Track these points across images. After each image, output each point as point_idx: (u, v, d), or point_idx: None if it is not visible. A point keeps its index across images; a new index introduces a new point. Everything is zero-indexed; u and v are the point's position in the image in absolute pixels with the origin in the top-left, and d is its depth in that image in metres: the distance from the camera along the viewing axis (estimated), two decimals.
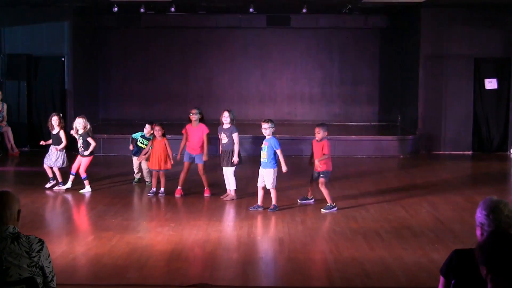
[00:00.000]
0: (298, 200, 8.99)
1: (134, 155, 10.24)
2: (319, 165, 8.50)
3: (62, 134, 9.77)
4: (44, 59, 14.30)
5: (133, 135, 10.32)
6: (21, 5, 14.14)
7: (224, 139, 9.03)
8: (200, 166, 9.39)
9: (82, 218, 8.72)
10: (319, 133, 8.62)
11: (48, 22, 14.33)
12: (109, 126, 15.32)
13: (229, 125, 9.05)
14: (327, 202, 8.53)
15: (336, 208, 8.52)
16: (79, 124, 9.61)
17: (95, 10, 15.53)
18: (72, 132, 9.79)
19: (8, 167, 12.49)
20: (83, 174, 9.64)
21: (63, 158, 9.81)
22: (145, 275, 6.00)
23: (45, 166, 9.78)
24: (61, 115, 10.07)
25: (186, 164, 9.43)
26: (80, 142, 9.66)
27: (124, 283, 5.76)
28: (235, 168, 9.08)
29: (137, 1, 13.32)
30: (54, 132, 9.84)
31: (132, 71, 16.74)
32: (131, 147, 10.28)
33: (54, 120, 9.81)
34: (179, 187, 9.45)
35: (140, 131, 10.29)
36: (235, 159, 8.94)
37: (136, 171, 10.32)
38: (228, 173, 9.09)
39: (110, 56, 16.74)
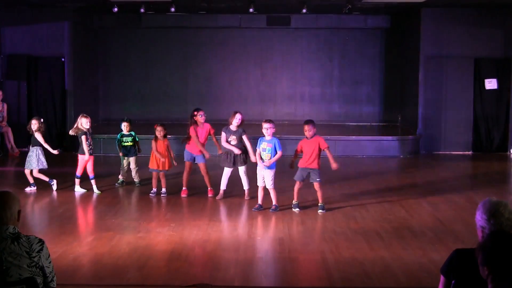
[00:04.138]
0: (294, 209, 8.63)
1: (126, 155, 10.15)
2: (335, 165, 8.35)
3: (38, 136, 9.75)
4: (44, 59, 14.30)
5: (116, 141, 10.26)
6: (21, 5, 14.13)
7: (233, 141, 9.02)
8: (202, 166, 9.40)
9: (82, 218, 8.72)
10: (310, 131, 8.42)
11: (48, 22, 14.32)
12: (109, 126, 15.31)
13: (237, 128, 9.04)
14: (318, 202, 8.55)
15: (325, 210, 8.53)
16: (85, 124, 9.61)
17: (95, 10, 15.53)
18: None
19: (8, 167, 12.49)
20: (92, 174, 9.67)
21: (44, 159, 9.79)
22: (145, 275, 6.00)
23: (36, 170, 9.72)
24: (42, 119, 10.02)
25: (187, 163, 9.42)
26: (89, 141, 9.64)
27: (124, 283, 5.77)
28: (245, 167, 9.11)
29: (137, 1, 13.32)
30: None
31: (132, 71, 16.74)
32: (121, 154, 10.19)
33: (33, 124, 9.76)
34: (184, 188, 9.46)
35: (131, 131, 10.21)
36: (252, 158, 8.85)
37: (122, 172, 10.21)
38: (241, 173, 9.11)
39: (110, 56, 16.74)
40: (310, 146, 8.45)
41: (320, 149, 8.43)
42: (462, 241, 7.02)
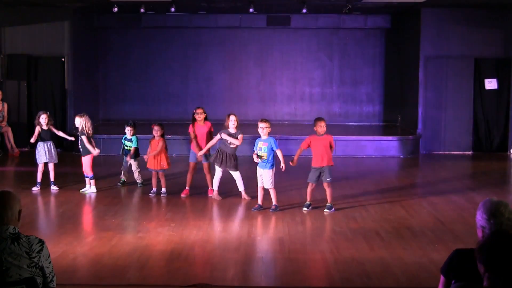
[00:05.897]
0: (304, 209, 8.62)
1: (126, 155, 10.13)
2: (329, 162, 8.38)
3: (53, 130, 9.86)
4: (44, 59, 14.31)
5: (123, 141, 10.23)
6: (21, 5, 14.13)
7: (232, 144, 9.00)
8: (206, 165, 9.43)
9: (82, 218, 8.71)
10: (324, 127, 8.40)
11: (48, 22, 14.33)
12: (109, 126, 15.31)
13: (236, 129, 9.04)
14: (327, 202, 8.54)
15: (333, 209, 8.52)
16: (77, 123, 9.63)
17: (95, 10, 15.54)
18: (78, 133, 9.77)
19: (8, 167, 12.49)
20: (89, 173, 9.64)
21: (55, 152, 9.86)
22: (145, 275, 6.00)
23: (41, 164, 9.75)
24: (48, 113, 10.06)
25: (192, 164, 9.43)
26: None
27: (124, 283, 5.77)
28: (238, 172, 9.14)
29: (137, 1, 13.32)
30: (45, 128, 9.82)
31: (132, 71, 16.73)
32: (127, 157, 10.15)
33: (43, 118, 9.77)
34: (186, 188, 9.46)
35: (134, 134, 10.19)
36: (234, 141, 8.92)
37: (124, 172, 10.21)
38: (236, 176, 9.10)
39: (110, 56, 16.74)
40: (321, 143, 8.42)
41: (330, 147, 8.47)
42: (462, 241, 7.02)
